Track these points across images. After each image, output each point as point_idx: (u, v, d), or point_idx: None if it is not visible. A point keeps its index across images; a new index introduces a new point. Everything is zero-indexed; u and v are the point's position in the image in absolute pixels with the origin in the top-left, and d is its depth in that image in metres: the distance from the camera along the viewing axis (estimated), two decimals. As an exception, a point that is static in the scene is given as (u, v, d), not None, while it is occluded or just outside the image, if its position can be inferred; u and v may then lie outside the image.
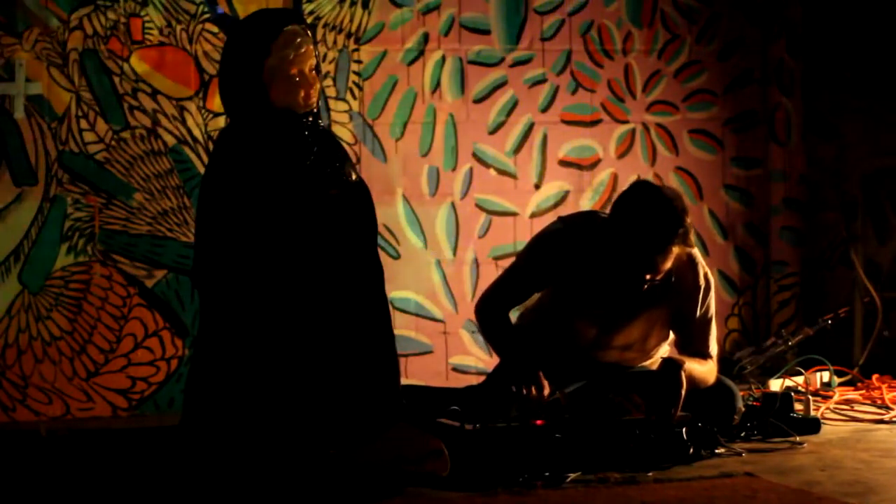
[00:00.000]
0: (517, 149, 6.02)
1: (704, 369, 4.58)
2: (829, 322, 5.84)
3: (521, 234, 5.94)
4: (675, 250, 4.44)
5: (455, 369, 5.88)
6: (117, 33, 5.50)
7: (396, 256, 5.83)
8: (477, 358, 5.89)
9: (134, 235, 5.54)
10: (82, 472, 4.38)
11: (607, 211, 4.69)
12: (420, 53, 5.88)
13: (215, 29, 5.57)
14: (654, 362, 4.81)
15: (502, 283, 4.76)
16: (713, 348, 4.69)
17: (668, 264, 4.45)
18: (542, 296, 4.77)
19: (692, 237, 4.51)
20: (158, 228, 5.55)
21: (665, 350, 4.84)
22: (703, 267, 4.67)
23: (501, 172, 5.99)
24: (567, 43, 6.07)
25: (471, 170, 5.95)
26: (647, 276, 4.45)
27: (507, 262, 5.86)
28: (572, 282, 4.62)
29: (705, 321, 4.68)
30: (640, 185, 4.70)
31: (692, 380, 4.45)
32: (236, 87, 4.42)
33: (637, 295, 4.54)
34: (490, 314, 4.72)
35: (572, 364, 4.62)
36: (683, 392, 4.38)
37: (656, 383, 4.42)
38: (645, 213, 4.40)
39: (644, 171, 6.16)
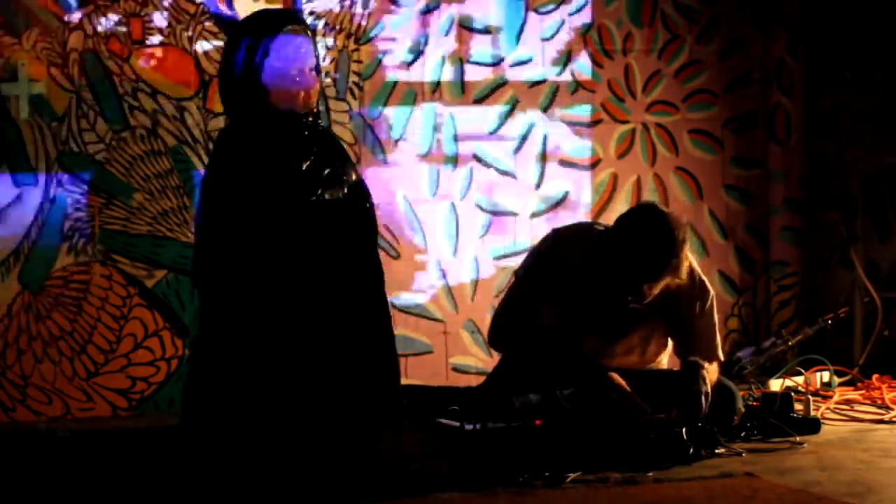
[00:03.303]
0: (517, 149, 6.01)
1: (711, 369, 4.61)
2: (829, 322, 5.84)
3: (521, 234, 5.94)
4: (665, 280, 4.44)
5: (455, 369, 5.87)
6: (117, 33, 5.50)
7: (396, 256, 5.83)
8: (477, 358, 5.89)
9: (134, 235, 5.53)
10: (82, 472, 4.38)
11: (602, 221, 4.72)
12: (420, 53, 5.88)
13: (215, 29, 5.56)
14: (656, 364, 4.81)
15: (507, 307, 4.75)
16: (719, 353, 4.71)
17: (656, 291, 4.46)
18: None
19: (684, 268, 4.48)
20: (158, 228, 5.55)
21: (665, 359, 4.85)
22: (700, 275, 4.67)
23: (501, 172, 5.99)
24: (567, 43, 6.07)
25: (471, 170, 5.95)
26: (631, 299, 4.47)
27: (507, 262, 5.88)
28: (569, 294, 4.62)
29: (703, 327, 4.68)
30: (644, 210, 4.65)
31: (710, 378, 4.53)
32: (236, 87, 4.42)
33: (631, 308, 4.54)
34: (508, 340, 4.72)
35: (577, 366, 4.61)
36: (708, 389, 4.46)
37: (679, 388, 4.48)
38: (642, 241, 4.40)
39: (644, 171, 6.16)
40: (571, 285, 4.60)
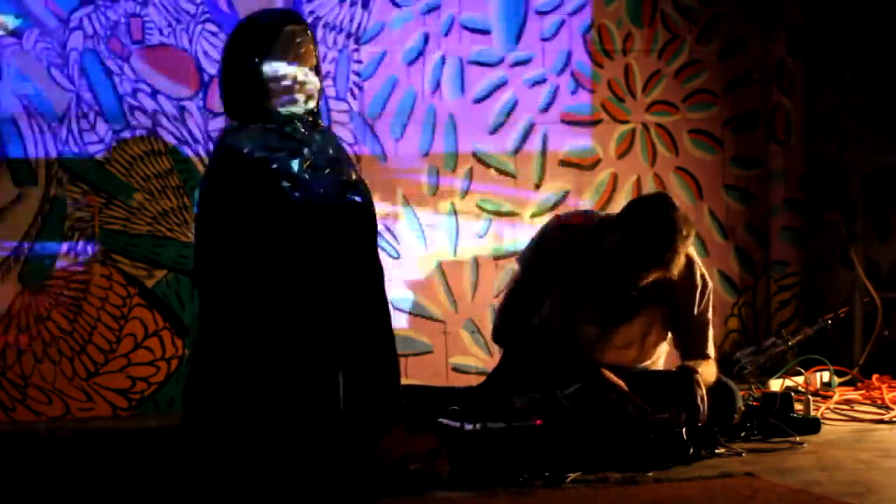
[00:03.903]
0: (517, 149, 6.01)
1: (708, 370, 4.61)
2: (829, 322, 5.84)
3: (521, 234, 5.94)
4: (656, 274, 4.45)
5: (455, 369, 5.87)
6: (117, 33, 5.50)
7: (396, 256, 5.83)
8: (477, 358, 5.89)
9: (134, 235, 5.53)
10: (82, 472, 4.38)
11: (605, 211, 4.71)
12: (420, 53, 5.88)
13: (215, 29, 5.57)
14: (653, 362, 4.82)
15: (511, 299, 4.75)
16: (711, 349, 4.71)
17: (648, 281, 4.47)
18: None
19: (678, 263, 4.48)
20: (158, 228, 5.55)
21: (664, 348, 4.85)
22: (700, 268, 4.68)
23: (501, 172, 5.99)
24: (567, 43, 6.07)
25: (471, 170, 5.95)
26: (626, 284, 4.50)
27: (507, 262, 5.88)
28: (570, 280, 4.62)
29: (702, 322, 4.69)
30: (652, 201, 4.62)
31: (705, 382, 4.53)
32: (236, 88, 4.42)
33: (632, 295, 4.55)
34: (511, 334, 4.72)
35: (574, 366, 4.61)
36: (704, 394, 4.47)
37: (676, 393, 4.48)
38: (640, 232, 4.41)
39: (644, 171, 6.16)
40: (572, 271, 4.60)
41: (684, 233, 4.44)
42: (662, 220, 4.43)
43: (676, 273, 4.49)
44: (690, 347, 4.70)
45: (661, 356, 4.86)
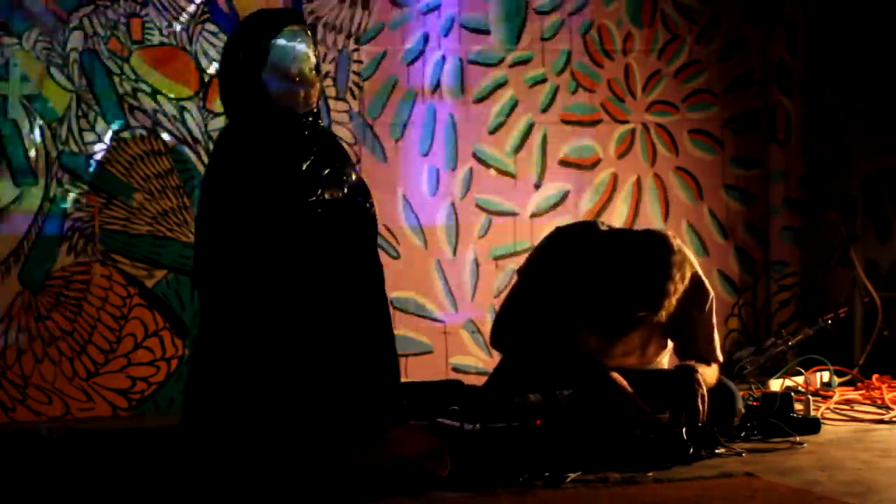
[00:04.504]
0: (517, 149, 6.02)
1: (709, 371, 4.62)
2: (829, 322, 5.84)
3: (521, 234, 5.94)
4: (644, 314, 4.46)
5: (455, 369, 5.87)
6: (117, 33, 5.50)
7: (396, 256, 5.83)
8: (477, 358, 5.89)
9: (134, 235, 5.53)
10: (82, 472, 4.38)
11: (609, 224, 4.73)
12: (420, 53, 5.88)
13: (215, 29, 5.56)
14: (656, 366, 4.81)
15: (508, 308, 4.75)
16: (718, 354, 4.71)
17: (637, 316, 4.51)
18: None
19: (672, 303, 4.47)
20: (158, 228, 5.55)
21: (665, 358, 4.85)
22: (699, 278, 4.66)
23: (501, 172, 5.99)
24: (567, 43, 6.07)
25: (471, 170, 5.95)
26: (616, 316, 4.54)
27: (507, 262, 5.88)
28: (571, 291, 4.62)
29: (703, 329, 4.68)
30: (649, 244, 4.53)
31: (705, 382, 4.54)
32: (236, 88, 4.42)
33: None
34: (510, 340, 4.72)
35: (579, 366, 4.61)
36: (705, 393, 4.47)
37: (676, 392, 4.48)
38: (633, 276, 4.41)
39: (644, 171, 6.16)
40: (572, 285, 4.60)
41: (677, 278, 4.43)
42: (657, 267, 4.41)
43: (665, 316, 4.49)
44: (692, 355, 4.69)
45: (664, 359, 4.85)
